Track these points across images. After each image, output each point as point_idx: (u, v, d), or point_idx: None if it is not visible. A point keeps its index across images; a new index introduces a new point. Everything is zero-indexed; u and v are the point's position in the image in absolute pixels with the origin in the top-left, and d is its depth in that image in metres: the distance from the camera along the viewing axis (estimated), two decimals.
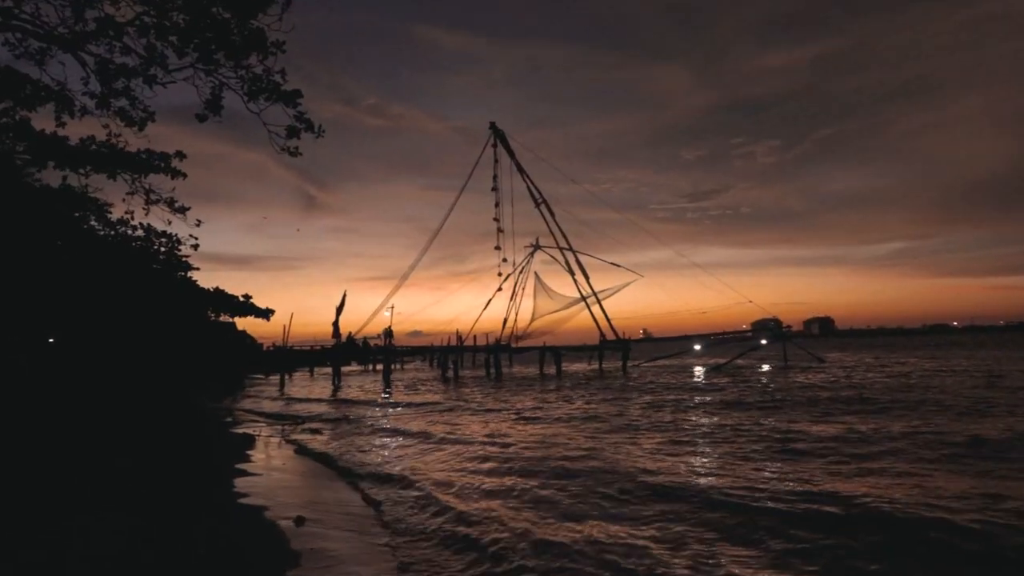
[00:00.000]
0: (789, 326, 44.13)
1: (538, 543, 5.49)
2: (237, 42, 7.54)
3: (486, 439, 11.61)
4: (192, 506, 6.82)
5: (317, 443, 12.56)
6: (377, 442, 12.11)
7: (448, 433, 12.62)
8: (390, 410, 18.21)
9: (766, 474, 7.73)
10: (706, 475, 7.75)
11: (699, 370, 33.55)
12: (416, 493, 7.64)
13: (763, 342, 41.90)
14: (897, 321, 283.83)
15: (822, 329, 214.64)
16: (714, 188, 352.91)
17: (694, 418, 13.43)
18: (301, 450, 11.88)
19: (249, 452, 11.33)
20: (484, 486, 7.86)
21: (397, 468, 9.11)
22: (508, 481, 7.95)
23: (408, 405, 18.44)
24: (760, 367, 34.10)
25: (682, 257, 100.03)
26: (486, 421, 14.55)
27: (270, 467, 10.18)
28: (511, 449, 10.22)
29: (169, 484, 7.87)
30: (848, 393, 17.83)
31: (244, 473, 9.17)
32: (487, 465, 9.20)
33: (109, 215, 14.12)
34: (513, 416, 14.86)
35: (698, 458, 8.80)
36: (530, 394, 22.64)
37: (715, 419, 13.08)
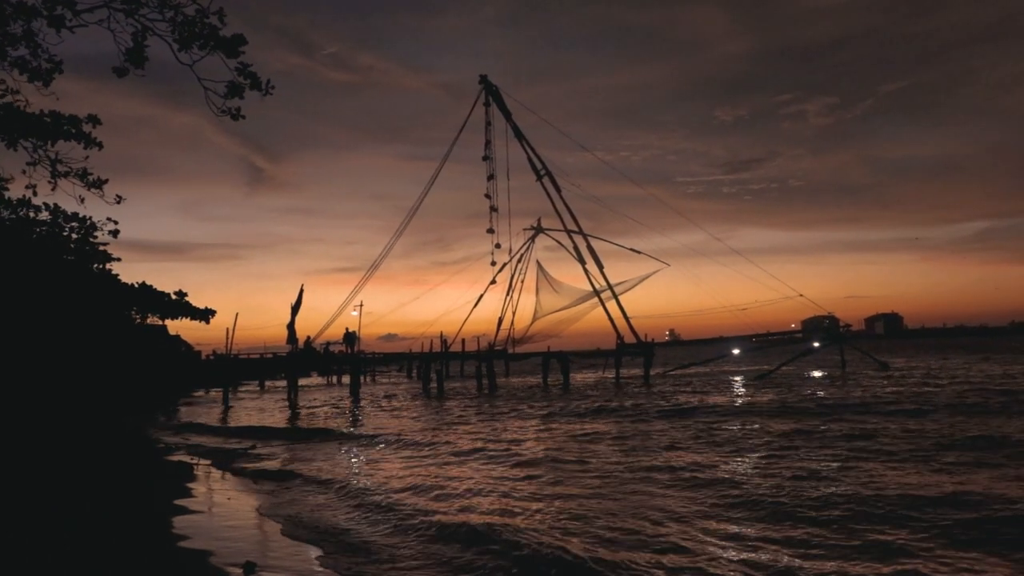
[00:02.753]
0: (848, 325, 44.66)
1: None
2: None
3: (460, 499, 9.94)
4: (124, 555, 6.84)
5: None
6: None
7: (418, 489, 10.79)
8: (356, 450, 17.78)
9: None
10: None
11: (738, 380, 33.74)
12: None
13: (816, 345, 42.27)
14: (980, 318, 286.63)
15: (888, 328, 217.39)
16: (756, 156, 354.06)
17: (737, 459, 11.84)
18: (247, 481, 11.97)
19: (189, 485, 11.48)
20: None
21: None
22: None
23: (379, 440, 16.91)
24: (812, 375, 34.36)
25: (717, 241, 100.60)
26: (469, 466, 12.71)
27: (212, 502, 10.31)
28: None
29: (94, 525, 7.89)
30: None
31: (184, 510, 9.31)
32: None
33: (6, 192, 14.01)
34: (511, 460, 12.95)
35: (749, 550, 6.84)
36: (528, 415, 22.75)
37: (763, 460, 11.73)
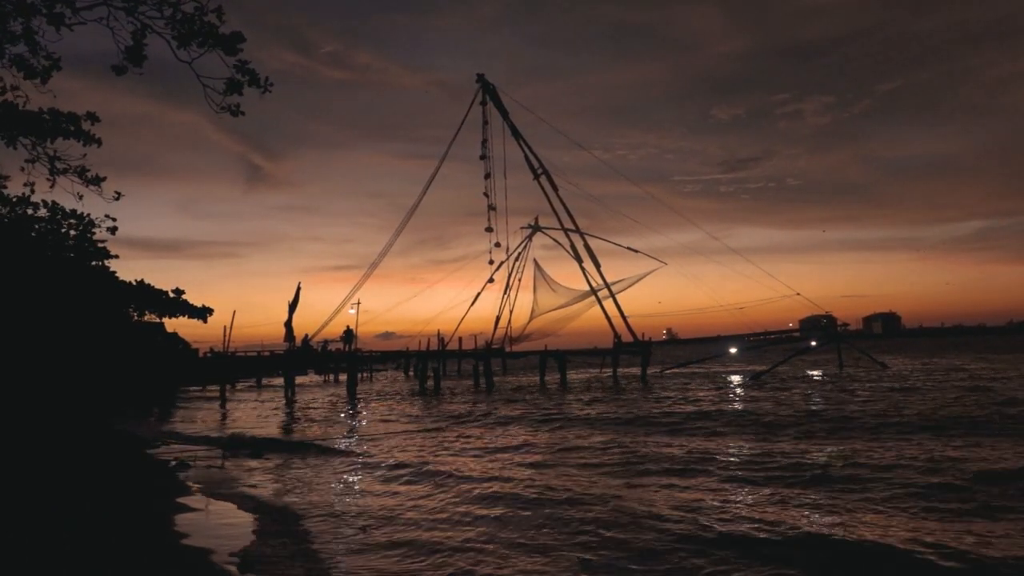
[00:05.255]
0: (846, 324, 44.81)
1: None
2: None
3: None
4: (125, 555, 6.91)
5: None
6: None
7: None
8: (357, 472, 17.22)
9: None
10: None
11: (735, 379, 33.80)
12: None
13: (813, 344, 42.38)
14: (978, 317, 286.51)
15: (886, 328, 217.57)
16: (753, 155, 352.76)
17: (736, 487, 9.88)
18: (243, 481, 12.05)
19: (188, 483, 11.56)
20: None
21: None
22: None
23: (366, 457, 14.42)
24: (810, 375, 34.45)
25: (714, 240, 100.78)
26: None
27: (210, 500, 10.36)
28: None
29: (95, 525, 7.94)
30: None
31: (184, 508, 9.44)
32: None
33: (5, 190, 14.03)
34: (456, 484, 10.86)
35: None
36: (515, 419, 22.71)
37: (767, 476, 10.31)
